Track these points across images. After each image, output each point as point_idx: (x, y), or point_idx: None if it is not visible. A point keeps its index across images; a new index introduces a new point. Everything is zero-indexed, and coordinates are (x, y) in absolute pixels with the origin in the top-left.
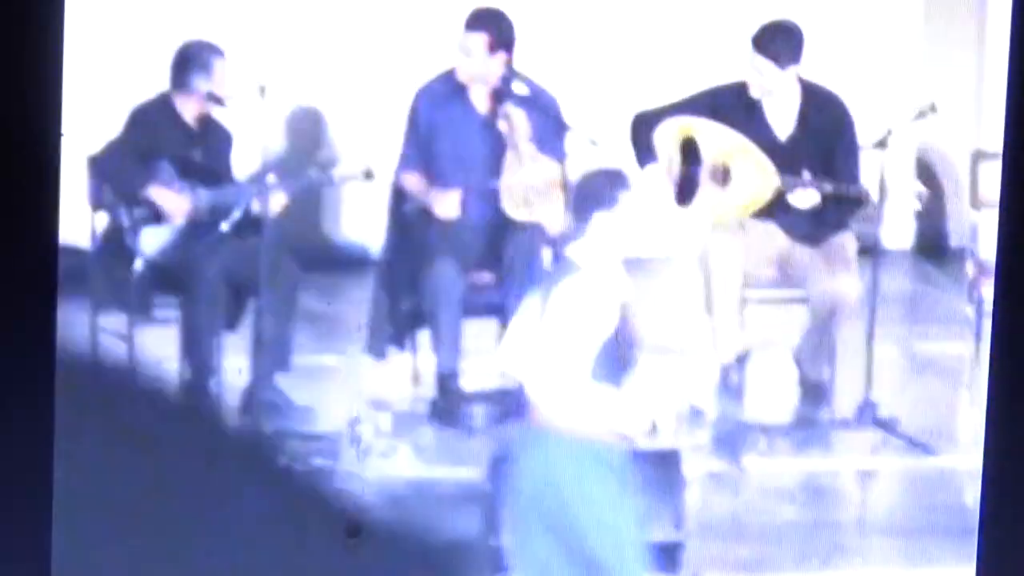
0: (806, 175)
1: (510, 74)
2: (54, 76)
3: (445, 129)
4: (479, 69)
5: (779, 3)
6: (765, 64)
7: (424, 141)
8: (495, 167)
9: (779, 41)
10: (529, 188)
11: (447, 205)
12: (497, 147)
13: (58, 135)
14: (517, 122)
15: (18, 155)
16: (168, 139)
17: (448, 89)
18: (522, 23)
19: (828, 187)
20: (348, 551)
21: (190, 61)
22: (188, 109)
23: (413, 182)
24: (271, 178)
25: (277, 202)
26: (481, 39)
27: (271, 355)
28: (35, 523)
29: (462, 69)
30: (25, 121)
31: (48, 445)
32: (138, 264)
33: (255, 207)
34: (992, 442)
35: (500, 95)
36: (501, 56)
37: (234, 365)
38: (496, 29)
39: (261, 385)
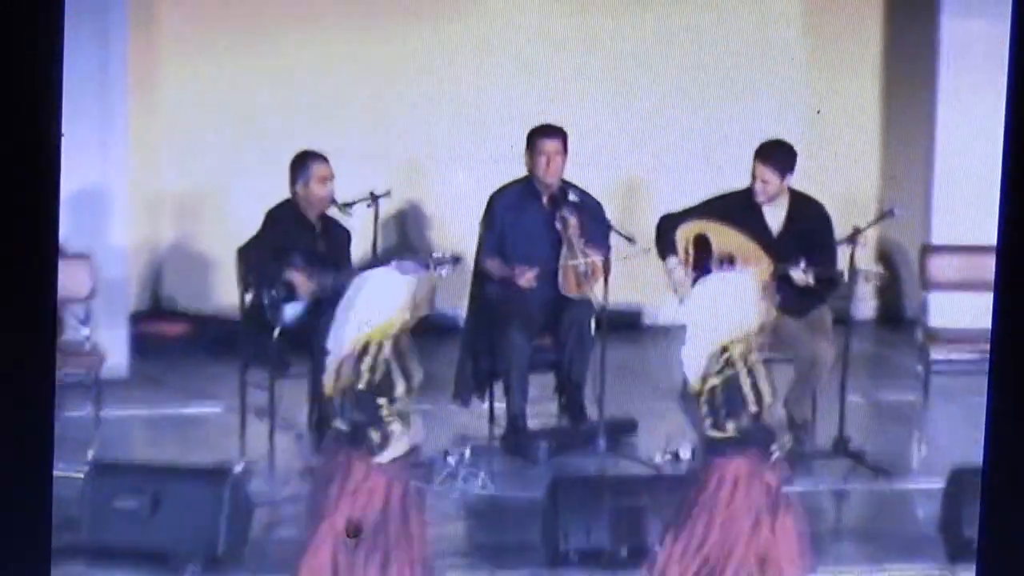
0: (802, 264)
1: (565, 184)
2: (54, 77)
3: (517, 226)
4: (554, 167)
5: (770, 128)
6: (768, 173)
7: (499, 235)
8: (554, 257)
9: (779, 154)
10: (580, 273)
11: (528, 278)
12: (555, 241)
13: (58, 136)
14: (571, 222)
15: (18, 155)
16: (297, 235)
17: (522, 193)
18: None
19: (812, 273)
20: None
21: (305, 167)
22: (311, 210)
23: (494, 265)
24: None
25: None
26: (557, 144)
27: None
28: (35, 523)
29: (539, 162)
30: (26, 122)
31: (48, 445)
32: (276, 332)
33: None
34: (992, 457)
35: (557, 201)
36: (558, 142)
37: None
38: (560, 132)
39: None
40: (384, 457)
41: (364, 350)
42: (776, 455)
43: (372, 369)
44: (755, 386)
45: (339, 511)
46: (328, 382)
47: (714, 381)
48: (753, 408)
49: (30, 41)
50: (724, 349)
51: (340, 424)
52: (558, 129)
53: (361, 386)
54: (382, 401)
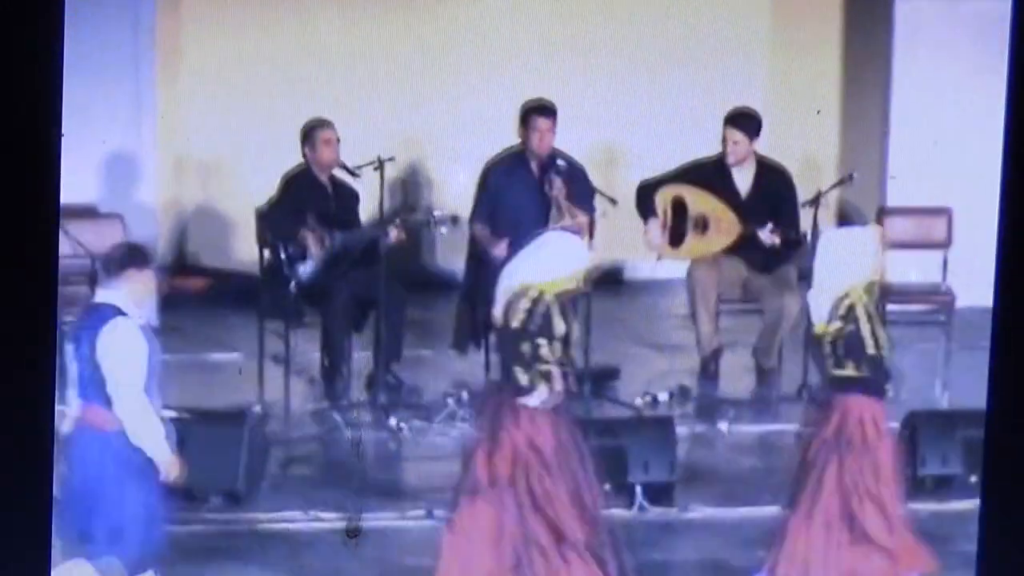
0: (769, 226)
1: (553, 152)
2: (54, 77)
3: (509, 190)
4: (546, 142)
5: (738, 100)
6: (738, 134)
7: (493, 199)
8: (544, 218)
9: (746, 119)
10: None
11: (499, 249)
12: (545, 203)
13: (58, 135)
14: (558, 186)
15: (19, 156)
16: (310, 197)
17: (514, 162)
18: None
19: (778, 233)
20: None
21: (312, 132)
22: (322, 173)
23: (479, 232)
24: (396, 222)
25: (399, 238)
26: (549, 122)
27: (388, 350)
28: (35, 523)
29: (532, 136)
30: (26, 121)
31: (48, 444)
32: (292, 286)
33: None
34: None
35: (546, 166)
36: (552, 121)
37: (360, 356)
38: (552, 110)
39: (382, 370)
40: (534, 400)
41: (531, 297)
42: (890, 393)
43: (531, 313)
44: (873, 331)
45: (498, 451)
46: (497, 315)
47: (837, 324)
48: (871, 351)
49: (31, 27)
50: (846, 296)
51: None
52: (551, 108)
53: (519, 326)
54: (542, 342)
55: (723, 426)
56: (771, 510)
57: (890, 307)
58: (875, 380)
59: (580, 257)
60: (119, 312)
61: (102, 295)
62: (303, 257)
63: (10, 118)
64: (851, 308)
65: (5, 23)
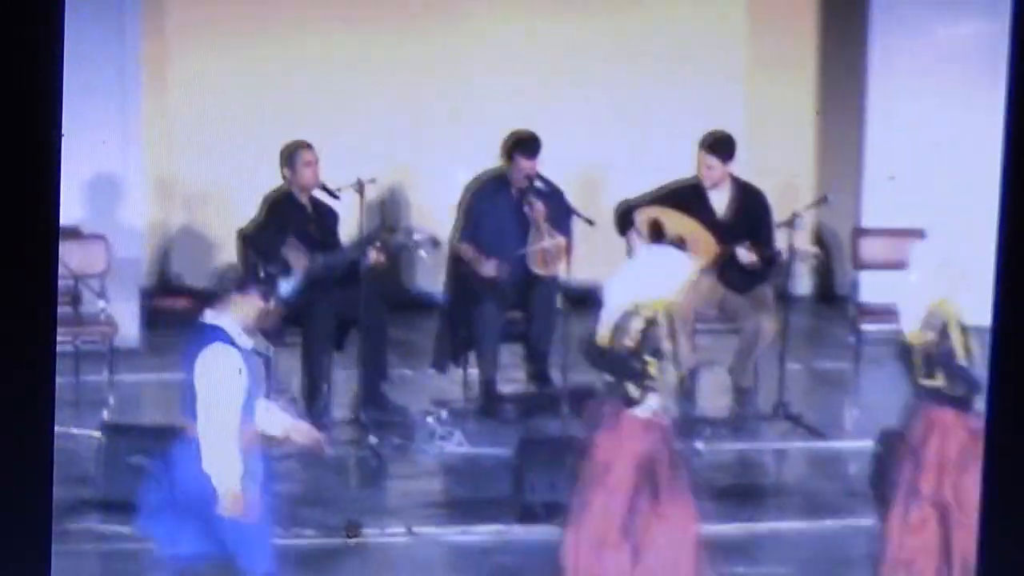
0: (747, 244)
1: (534, 174)
2: (54, 77)
3: (490, 213)
4: (527, 171)
5: (714, 121)
6: (712, 159)
7: (474, 221)
8: (524, 239)
9: (721, 143)
10: (547, 253)
11: (488, 268)
12: (524, 224)
13: (58, 135)
14: (538, 207)
15: (19, 155)
16: (291, 218)
17: (495, 185)
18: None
19: (756, 250)
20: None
21: (292, 154)
22: (302, 194)
23: (466, 251)
24: (376, 243)
25: (378, 259)
26: (532, 163)
27: (374, 370)
28: (35, 523)
29: (513, 169)
30: (26, 122)
31: (48, 443)
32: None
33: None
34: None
35: (525, 189)
36: (535, 161)
37: (342, 376)
38: (537, 148)
39: (371, 389)
40: (641, 411)
41: (646, 317)
42: (976, 405)
43: (645, 334)
44: (965, 343)
45: (617, 462)
46: (604, 333)
47: (930, 335)
48: (963, 362)
49: (31, 39)
50: (939, 306)
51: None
52: (535, 147)
53: (631, 344)
54: (649, 359)
55: (700, 445)
56: (748, 527)
57: (864, 326)
58: (963, 391)
59: (686, 270)
60: (221, 335)
61: (210, 316)
62: (285, 275)
63: (8, 137)
64: (943, 318)
65: (6, 24)
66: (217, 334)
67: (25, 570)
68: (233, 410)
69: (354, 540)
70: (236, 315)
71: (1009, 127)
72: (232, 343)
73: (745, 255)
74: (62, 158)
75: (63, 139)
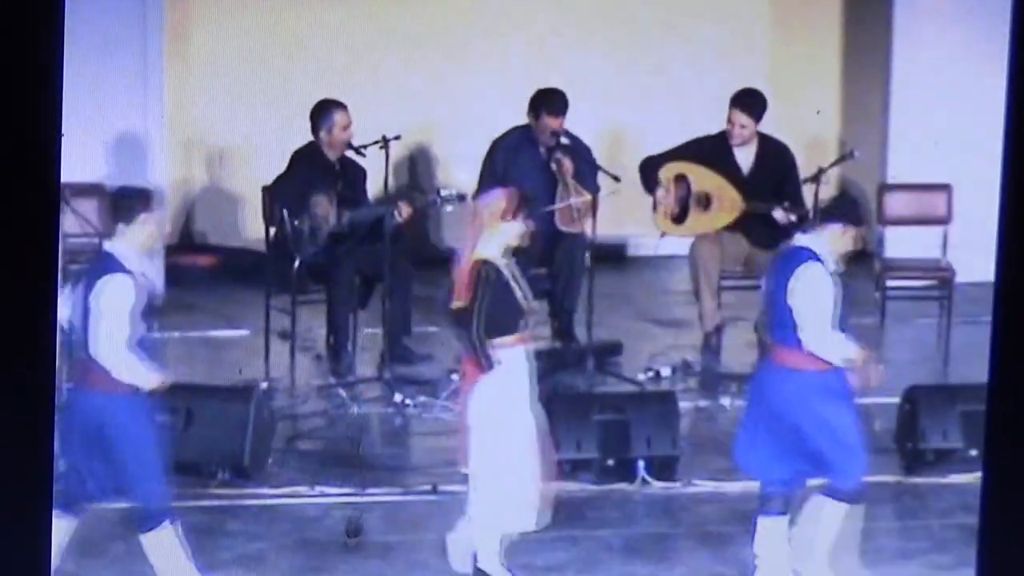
0: (784, 205)
1: (560, 130)
2: (54, 77)
3: (516, 169)
4: (553, 128)
5: (740, 78)
6: (744, 118)
7: (500, 177)
8: (550, 195)
9: (753, 100)
10: (573, 209)
11: None
12: (551, 181)
13: (58, 135)
14: (564, 163)
15: (19, 155)
16: (318, 174)
17: (521, 140)
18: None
19: (780, 209)
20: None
21: (328, 116)
22: (332, 152)
23: None
24: (404, 200)
25: (406, 216)
26: (559, 120)
27: (398, 325)
28: (35, 523)
29: (540, 126)
30: (26, 121)
31: (48, 443)
32: (297, 262)
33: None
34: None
35: (552, 147)
36: (562, 119)
37: (366, 332)
38: (564, 105)
39: (395, 344)
40: None
41: None
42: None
43: None
44: None
45: None
46: None
47: None
48: None
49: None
50: None
51: None
52: (562, 105)
53: None
54: None
55: (725, 401)
56: None
57: (890, 282)
58: None
59: None
60: (119, 266)
61: (108, 245)
62: (310, 232)
63: (10, 98)
64: None
65: (6, 25)
66: (114, 264)
67: (26, 531)
68: (124, 332)
69: (354, 540)
70: (137, 239)
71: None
72: (126, 271)
73: (783, 216)
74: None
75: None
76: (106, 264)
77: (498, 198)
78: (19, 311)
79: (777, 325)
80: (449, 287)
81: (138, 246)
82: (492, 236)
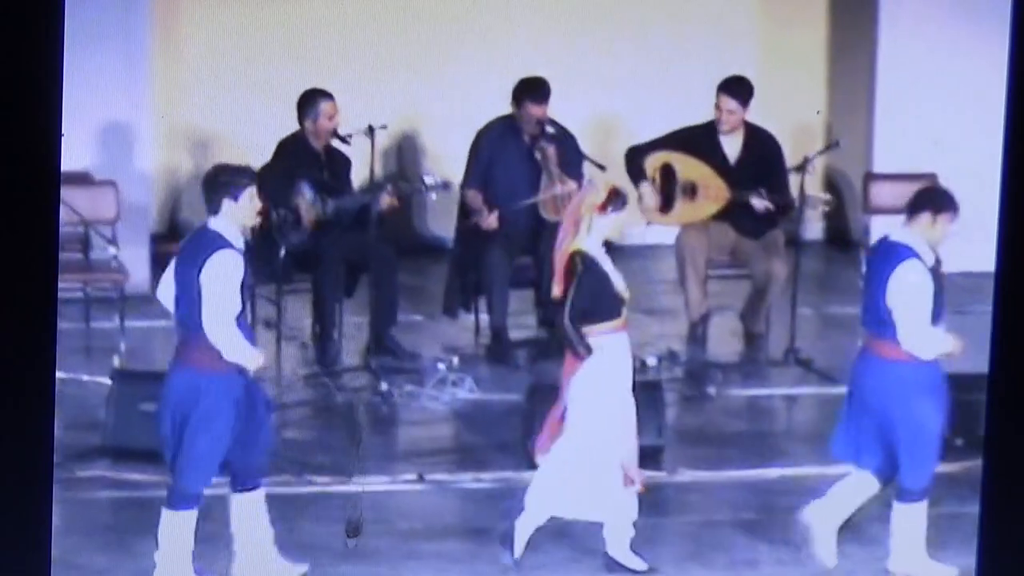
0: (763, 192)
1: (545, 119)
2: (54, 77)
3: (501, 158)
4: (537, 117)
5: (726, 68)
6: (732, 103)
7: (485, 166)
8: (535, 184)
9: (740, 87)
10: (558, 198)
11: (491, 221)
12: (535, 170)
13: (58, 135)
14: (549, 152)
15: (19, 155)
16: (303, 163)
17: (505, 129)
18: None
19: (771, 198)
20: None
21: (314, 105)
22: (317, 141)
23: (472, 198)
24: (388, 188)
25: (390, 204)
26: (542, 109)
27: (384, 315)
28: (35, 523)
29: (523, 115)
30: (26, 121)
31: (49, 442)
32: (283, 251)
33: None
34: (993, 444)
35: (536, 135)
36: (545, 107)
37: (352, 321)
38: (546, 93)
39: (382, 335)
40: None
41: None
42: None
43: None
44: None
45: None
46: None
47: None
48: None
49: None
50: None
51: None
52: (544, 92)
53: None
54: None
55: (711, 390)
56: (759, 473)
57: None
58: None
59: None
60: (226, 242)
61: (213, 222)
62: (295, 221)
63: (9, 89)
64: None
65: (6, 25)
66: (219, 240)
67: (27, 516)
68: (235, 308)
69: (353, 540)
70: (238, 214)
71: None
72: (234, 247)
73: (760, 203)
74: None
75: (68, 88)
76: (213, 240)
77: (595, 191)
78: (18, 304)
79: (874, 319)
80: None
81: (240, 222)
82: (589, 228)
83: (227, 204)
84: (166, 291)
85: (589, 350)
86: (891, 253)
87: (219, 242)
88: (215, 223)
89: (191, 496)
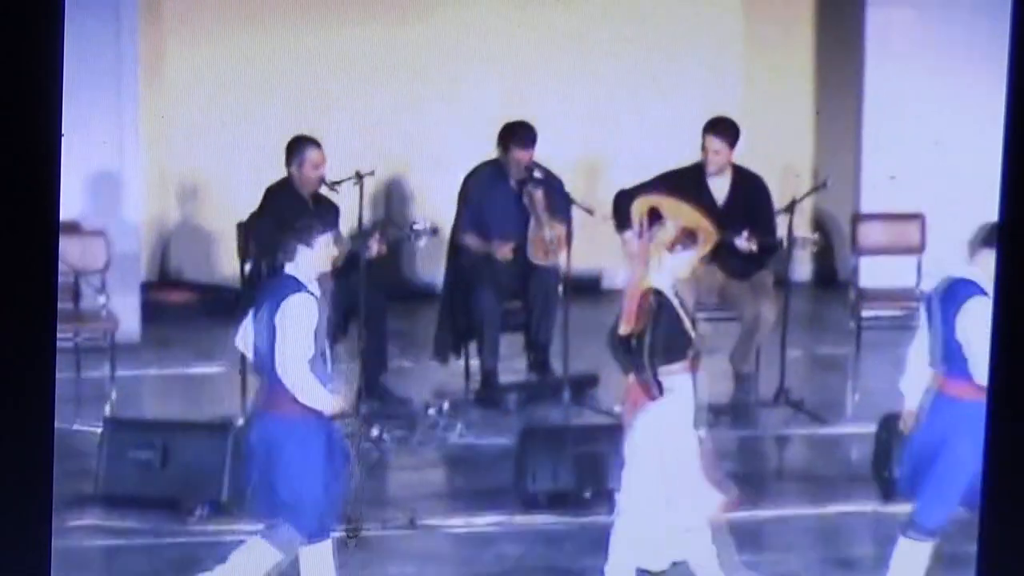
0: (745, 233)
1: (531, 163)
2: (54, 77)
3: (489, 202)
4: (523, 162)
5: (717, 105)
6: (718, 143)
7: (475, 211)
8: (523, 228)
9: (726, 127)
10: (546, 242)
11: (503, 252)
12: (523, 214)
13: (58, 135)
14: (536, 197)
15: (20, 155)
16: (291, 211)
17: (492, 174)
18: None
19: (755, 241)
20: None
21: (300, 152)
22: (304, 189)
23: (473, 240)
24: (376, 235)
25: (380, 250)
26: (528, 153)
27: (374, 361)
28: (35, 523)
29: (510, 159)
30: (26, 122)
31: (49, 443)
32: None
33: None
34: (993, 447)
35: (523, 179)
36: (531, 151)
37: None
38: (532, 138)
39: (372, 382)
40: None
41: None
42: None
43: None
44: None
45: None
46: None
47: None
48: None
49: (31, 35)
50: None
51: None
52: (531, 138)
53: None
54: None
55: (701, 432)
56: (750, 514)
57: (865, 311)
58: None
59: None
60: (302, 286)
61: (290, 267)
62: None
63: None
64: None
65: (6, 25)
66: (294, 283)
67: (26, 566)
68: (308, 351)
69: (353, 540)
70: (315, 260)
71: (1009, 121)
72: (308, 291)
73: (744, 244)
74: (62, 155)
75: (63, 137)
76: (289, 285)
77: (665, 229)
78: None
79: (945, 358)
80: (616, 314)
81: (317, 267)
82: (661, 266)
83: (302, 250)
84: (244, 338)
85: (662, 391)
86: (958, 290)
87: (294, 286)
88: (291, 268)
89: (325, 526)
